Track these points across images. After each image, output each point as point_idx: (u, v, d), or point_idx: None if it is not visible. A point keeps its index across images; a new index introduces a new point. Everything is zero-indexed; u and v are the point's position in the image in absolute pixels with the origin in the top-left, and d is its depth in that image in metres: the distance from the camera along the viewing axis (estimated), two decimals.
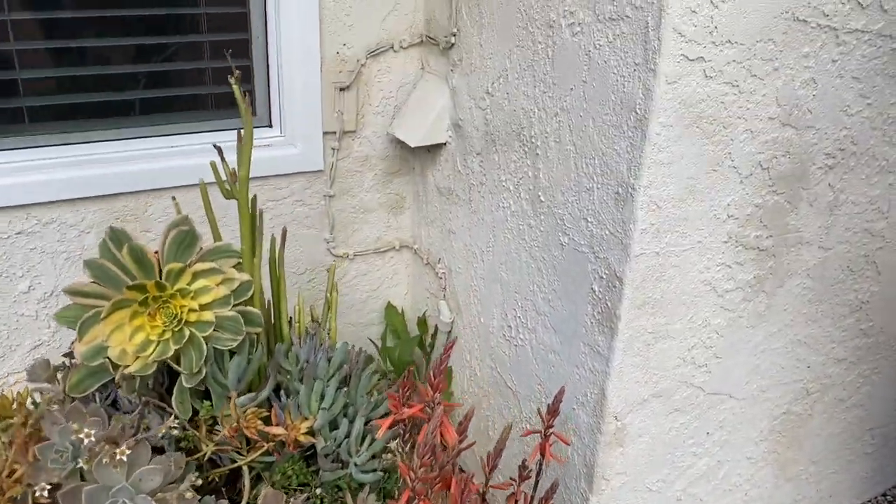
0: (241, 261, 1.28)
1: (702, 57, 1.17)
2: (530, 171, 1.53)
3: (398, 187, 2.07)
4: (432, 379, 1.05)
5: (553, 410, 1.25)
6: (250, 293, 1.25)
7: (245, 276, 1.25)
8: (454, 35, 1.75)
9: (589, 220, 1.38)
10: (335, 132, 1.90)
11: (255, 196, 1.43)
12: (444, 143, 1.86)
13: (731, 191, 1.33)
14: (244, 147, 1.34)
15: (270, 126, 1.87)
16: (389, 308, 2.19)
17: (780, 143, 1.33)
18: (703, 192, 1.30)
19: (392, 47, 1.90)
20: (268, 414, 1.22)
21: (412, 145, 1.82)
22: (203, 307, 1.19)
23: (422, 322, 2.11)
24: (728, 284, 1.43)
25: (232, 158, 1.43)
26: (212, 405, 1.26)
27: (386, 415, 1.24)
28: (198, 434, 1.23)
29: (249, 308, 1.26)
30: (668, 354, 1.44)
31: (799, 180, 1.40)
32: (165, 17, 1.70)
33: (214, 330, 1.20)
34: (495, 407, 1.85)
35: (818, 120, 1.35)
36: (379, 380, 1.36)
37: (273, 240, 1.36)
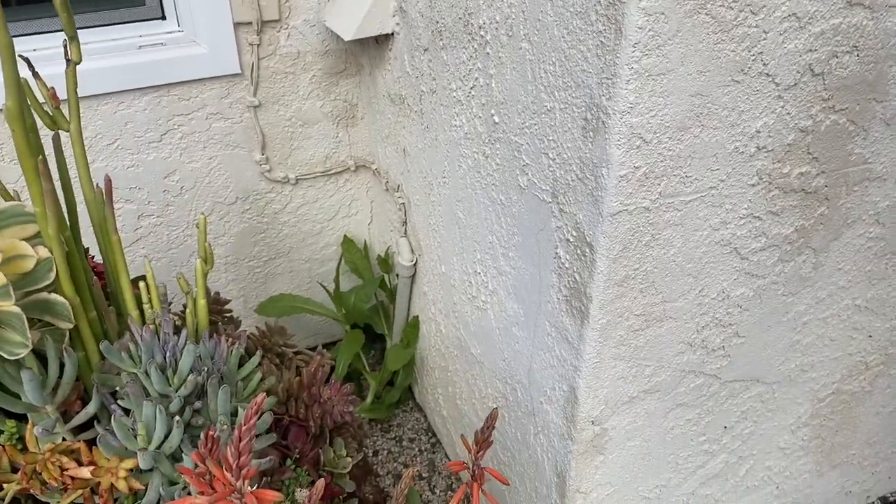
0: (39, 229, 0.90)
1: None
2: (481, 76, 1.08)
3: (346, 92, 1.63)
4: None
5: (482, 441, 0.86)
6: (52, 275, 0.88)
7: (44, 253, 0.88)
8: None
9: (551, 155, 0.94)
10: (251, 23, 1.45)
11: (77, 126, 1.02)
12: (392, 34, 1.41)
13: (764, 110, 0.87)
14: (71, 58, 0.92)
15: (163, 18, 1.44)
16: (347, 242, 1.80)
17: (844, 35, 0.85)
18: (719, 114, 0.84)
19: None
20: (79, 447, 0.88)
21: (346, 38, 1.37)
22: None
23: (384, 261, 1.72)
24: (757, 243, 0.99)
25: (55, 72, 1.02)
26: (16, 426, 0.92)
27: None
28: None
29: (53, 296, 0.89)
30: (667, 340, 1.02)
31: (872, 89, 0.92)
32: None
33: None
34: (461, 373, 1.48)
35: None
36: (260, 383, 0.99)
37: (97, 192, 0.96)
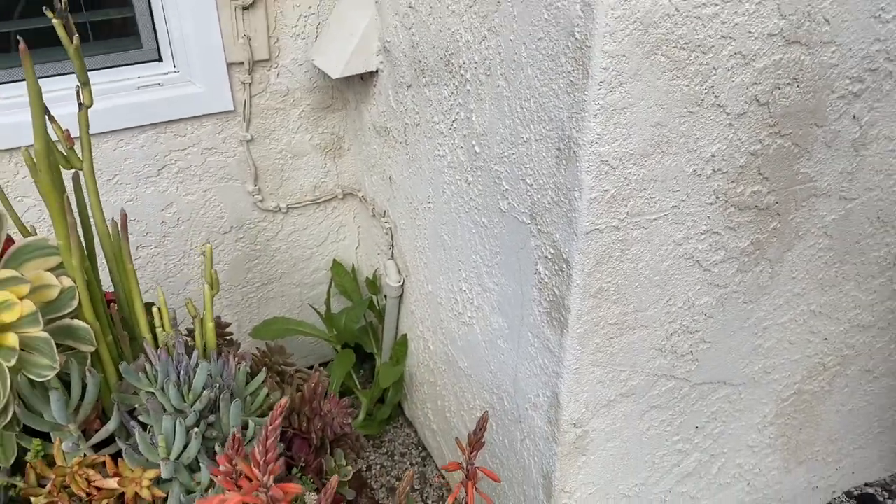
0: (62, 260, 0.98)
1: None
2: (462, 111, 1.18)
3: (333, 125, 1.72)
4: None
5: (475, 442, 0.95)
6: (75, 303, 0.96)
7: (67, 282, 0.95)
8: None
9: (528, 181, 1.04)
10: (243, 63, 1.55)
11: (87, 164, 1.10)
12: (376, 72, 1.50)
13: (717, 137, 0.97)
14: (83, 97, 1.00)
15: (160, 60, 1.52)
16: (336, 266, 1.88)
17: (784, 69, 0.96)
18: (677, 142, 0.95)
19: None
20: (104, 460, 0.95)
21: (333, 76, 1.47)
22: (3, 328, 0.90)
23: (372, 283, 1.80)
24: (717, 255, 1.09)
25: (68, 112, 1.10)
26: (41, 444, 0.99)
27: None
28: (25, 482, 0.97)
29: (76, 322, 0.97)
30: (640, 347, 1.12)
31: (813, 115, 1.03)
32: None
33: (24, 355, 0.92)
34: (449, 387, 1.56)
35: (839, 32, 0.97)
36: (266, 398, 1.08)
37: (113, 226, 1.04)
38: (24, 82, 0.92)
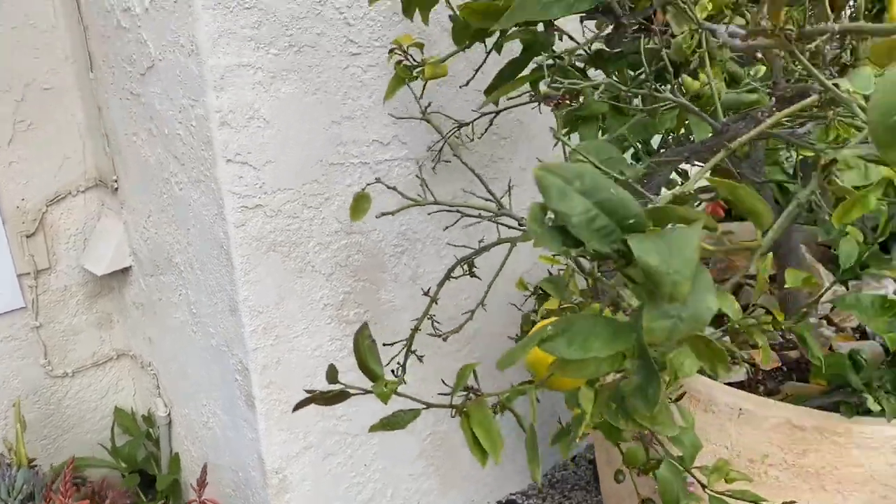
0: None
1: (260, 205, 1.61)
2: (182, 289, 1.91)
3: (103, 306, 2.37)
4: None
5: (201, 482, 1.62)
6: None
7: None
8: (116, 181, 2.10)
9: (222, 326, 1.78)
10: (30, 272, 2.18)
11: None
12: (130, 267, 2.20)
13: (321, 287, 1.77)
14: None
15: None
16: (118, 411, 2.47)
17: (351, 246, 1.79)
18: (296, 293, 1.73)
19: (71, 193, 2.21)
20: None
21: (99, 274, 2.14)
22: None
23: (147, 418, 2.41)
24: (343, 352, 1.87)
25: None
26: None
27: None
28: None
29: None
30: (307, 415, 1.86)
31: (378, 267, 1.87)
32: None
33: None
34: (212, 482, 2.19)
35: (377, 224, 1.83)
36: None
37: None
38: None
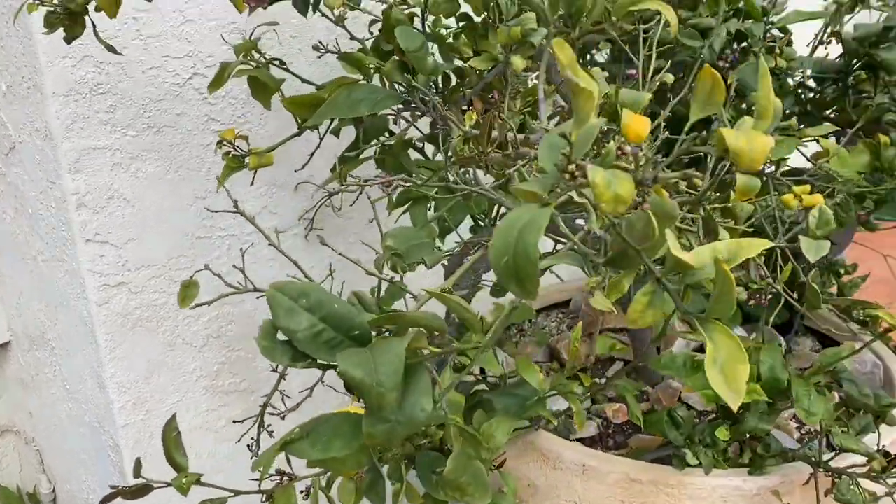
0: None
1: (123, 282, 1.62)
2: (56, 366, 1.89)
3: None
4: None
5: None
6: None
7: None
8: None
9: (97, 402, 1.77)
10: None
11: None
12: (9, 341, 2.17)
13: (193, 359, 1.79)
14: None
15: None
16: (2, 489, 2.41)
17: (222, 317, 1.82)
18: (168, 366, 1.74)
19: None
20: None
21: None
22: None
23: (32, 495, 2.36)
24: (222, 422, 1.88)
25: None
26: None
27: None
28: None
29: None
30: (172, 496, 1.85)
31: (252, 336, 1.89)
32: None
33: None
34: None
35: (247, 296, 1.86)
36: None
37: None
38: None
